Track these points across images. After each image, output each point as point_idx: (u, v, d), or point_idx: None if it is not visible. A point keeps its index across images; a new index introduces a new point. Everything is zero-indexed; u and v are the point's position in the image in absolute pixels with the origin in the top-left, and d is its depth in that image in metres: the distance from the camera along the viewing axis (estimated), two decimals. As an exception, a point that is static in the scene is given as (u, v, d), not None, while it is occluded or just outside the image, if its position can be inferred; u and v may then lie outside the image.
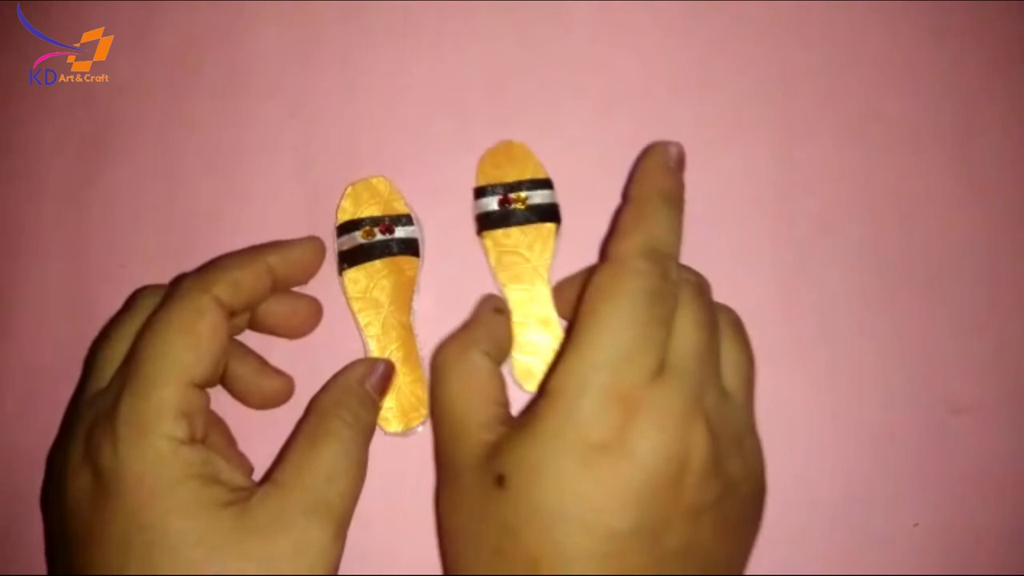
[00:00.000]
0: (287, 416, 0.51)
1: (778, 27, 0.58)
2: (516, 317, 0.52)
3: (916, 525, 0.51)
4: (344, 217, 0.54)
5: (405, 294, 0.53)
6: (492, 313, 0.49)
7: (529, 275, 0.53)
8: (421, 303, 0.53)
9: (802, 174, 0.56)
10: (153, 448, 0.35)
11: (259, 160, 0.57)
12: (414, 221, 0.54)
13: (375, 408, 0.47)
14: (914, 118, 0.57)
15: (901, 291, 0.54)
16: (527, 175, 0.54)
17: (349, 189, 0.54)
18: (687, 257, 0.54)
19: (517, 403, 0.50)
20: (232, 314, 0.40)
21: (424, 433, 0.51)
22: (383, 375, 0.48)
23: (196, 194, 0.57)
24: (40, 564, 0.50)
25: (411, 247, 0.53)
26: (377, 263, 0.53)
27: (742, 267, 0.55)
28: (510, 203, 0.54)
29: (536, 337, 0.52)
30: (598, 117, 0.57)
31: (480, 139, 0.56)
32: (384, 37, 0.58)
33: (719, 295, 0.53)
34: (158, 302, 0.39)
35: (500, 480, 0.35)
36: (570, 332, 0.39)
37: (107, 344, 0.40)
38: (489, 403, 0.41)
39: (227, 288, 0.39)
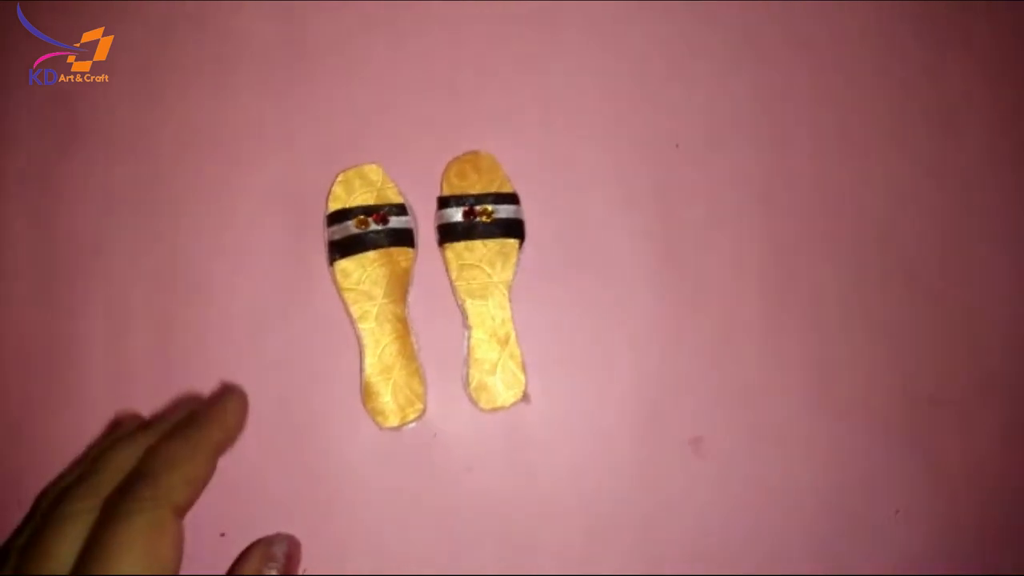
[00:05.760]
0: (276, 418, 0.51)
1: (762, 33, 0.58)
2: (475, 333, 0.52)
3: (897, 512, 0.53)
4: (336, 205, 0.52)
5: (400, 286, 0.51)
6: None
7: (489, 290, 0.51)
8: (415, 295, 0.52)
9: (789, 179, 0.56)
10: None
11: (243, 144, 0.54)
12: (408, 211, 0.52)
13: None
14: (899, 122, 0.58)
15: (885, 291, 0.55)
16: (494, 188, 0.53)
17: (341, 176, 0.52)
18: (684, 255, 0.55)
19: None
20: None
21: (418, 428, 0.51)
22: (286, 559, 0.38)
23: (177, 180, 0.54)
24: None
25: (406, 238, 0.52)
26: (371, 253, 0.51)
27: (731, 271, 0.55)
28: (475, 215, 0.51)
29: (493, 355, 0.51)
30: (578, 130, 0.55)
31: (473, 130, 0.54)
32: (375, 23, 0.56)
33: (712, 297, 0.54)
34: (94, 512, 0.32)
35: None
36: None
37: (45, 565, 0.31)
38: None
39: (183, 490, 0.33)
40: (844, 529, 0.52)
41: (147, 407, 0.51)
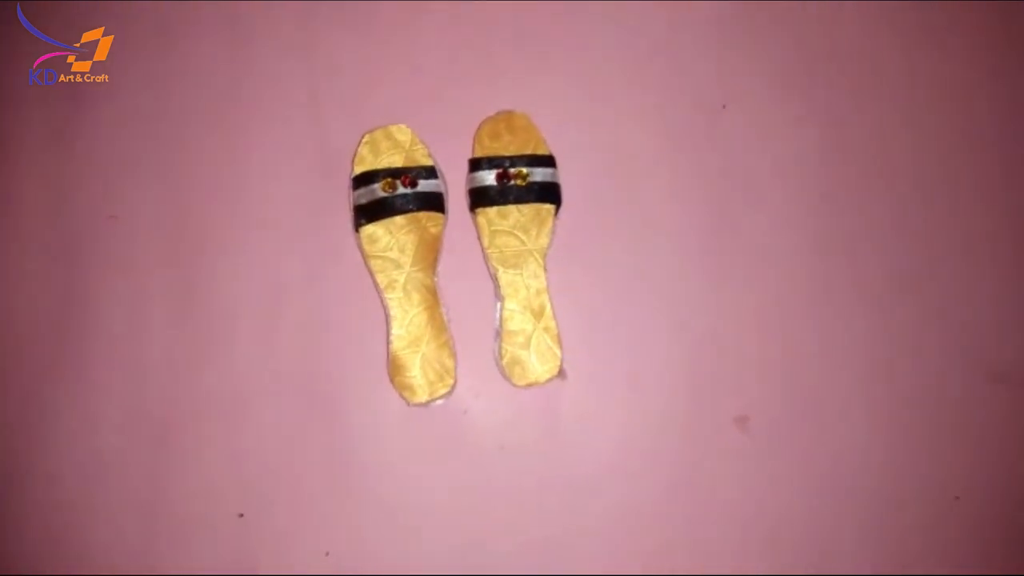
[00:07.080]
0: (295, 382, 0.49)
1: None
2: (508, 304, 0.49)
3: (957, 499, 0.50)
4: (362, 167, 0.49)
5: (429, 253, 0.48)
6: None
7: (523, 259, 0.49)
8: (445, 263, 0.50)
9: (841, 144, 0.53)
10: None
11: (263, 103, 0.52)
12: (438, 174, 0.50)
13: None
14: (958, 93, 0.55)
15: (940, 263, 0.52)
16: (528, 150, 0.50)
17: (367, 137, 0.49)
18: (729, 223, 0.52)
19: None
20: None
21: (448, 404, 0.48)
22: None
23: (196, 140, 0.52)
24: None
25: (436, 202, 0.49)
26: (399, 219, 0.48)
27: (780, 241, 0.51)
28: (509, 179, 0.49)
29: (527, 327, 0.48)
30: (618, 89, 0.53)
31: (507, 88, 0.52)
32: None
33: (759, 268, 0.51)
34: None
35: None
36: None
37: None
38: None
39: None
40: (902, 514, 0.50)
41: (165, 379, 0.49)
